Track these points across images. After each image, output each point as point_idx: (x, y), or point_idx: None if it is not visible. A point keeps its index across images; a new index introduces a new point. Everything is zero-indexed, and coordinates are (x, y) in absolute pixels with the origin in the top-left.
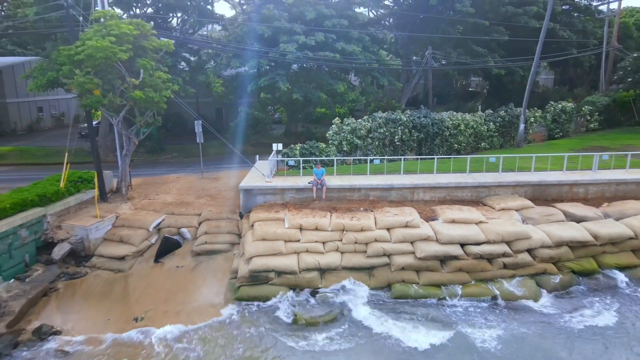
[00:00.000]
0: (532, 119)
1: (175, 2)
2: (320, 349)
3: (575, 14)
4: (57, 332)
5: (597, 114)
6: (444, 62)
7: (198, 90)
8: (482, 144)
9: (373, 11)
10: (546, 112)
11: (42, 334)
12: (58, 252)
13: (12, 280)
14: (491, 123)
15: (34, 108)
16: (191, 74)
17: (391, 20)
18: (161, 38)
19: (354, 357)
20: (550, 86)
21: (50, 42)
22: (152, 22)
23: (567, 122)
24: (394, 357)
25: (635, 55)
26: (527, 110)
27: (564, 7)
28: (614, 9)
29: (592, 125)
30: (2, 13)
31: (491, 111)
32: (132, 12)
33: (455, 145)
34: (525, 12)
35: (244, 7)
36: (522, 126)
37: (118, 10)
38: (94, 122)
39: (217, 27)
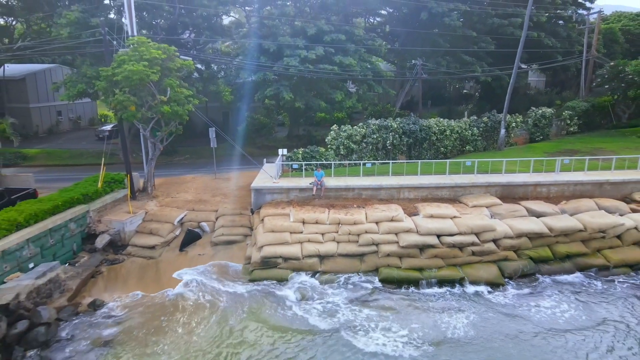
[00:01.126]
0: (514, 124)
1: (189, 20)
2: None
3: (561, 22)
4: (106, 304)
5: (576, 118)
6: (434, 71)
7: (208, 97)
8: (467, 147)
9: (370, 19)
10: (528, 117)
11: (96, 305)
12: (100, 242)
13: (66, 264)
14: (475, 128)
15: (54, 112)
16: (203, 83)
17: (387, 28)
18: (181, 56)
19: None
20: (542, 88)
21: (80, 57)
22: (163, 33)
23: (547, 126)
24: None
25: (612, 64)
26: (508, 116)
27: (547, 14)
28: (594, 22)
29: (571, 129)
30: (32, 27)
31: (475, 117)
32: (152, 31)
33: (442, 148)
34: (511, 23)
35: (251, 19)
36: (502, 131)
37: (144, 31)
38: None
39: (227, 42)
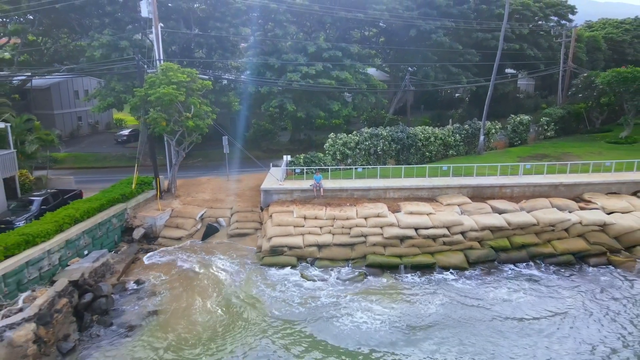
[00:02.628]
0: (493, 130)
1: (204, 40)
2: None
3: (542, 32)
4: (147, 282)
5: (553, 124)
6: (422, 82)
7: (219, 107)
8: (450, 152)
9: (365, 32)
10: (507, 124)
11: (140, 283)
12: (137, 234)
13: (112, 252)
14: (457, 135)
15: (75, 117)
16: (216, 95)
17: (382, 38)
18: (200, 76)
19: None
20: (532, 91)
21: (110, 74)
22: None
23: (524, 131)
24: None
25: (585, 75)
26: (488, 123)
27: (530, 25)
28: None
29: (549, 134)
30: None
31: (458, 125)
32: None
33: (427, 153)
34: (494, 37)
35: (257, 37)
36: (482, 137)
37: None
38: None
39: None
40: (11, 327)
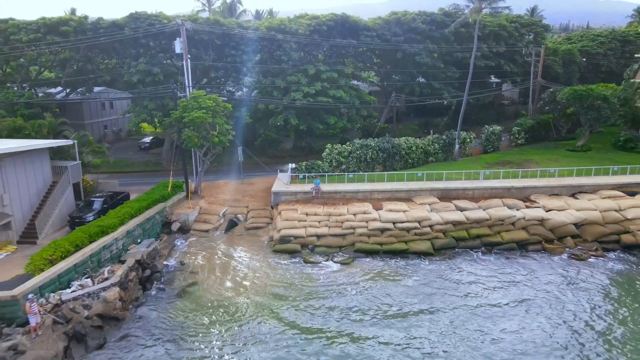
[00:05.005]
0: (468, 139)
1: (221, 65)
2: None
3: (517, 49)
4: (187, 263)
5: (523, 132)
6: (408, 98)
7: (232, 120)
8: (430, 159)
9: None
10: (482, 133)
11: (181, 264)
12: (174, 227)
13: (157, 240)
14: (436, 144)
15: (102, 126)
16: (230, 111)
17: (376, 60)
18: (223, 99)
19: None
20: (516, 97)
21: (143, 96)
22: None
23: (496, 140)
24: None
25: (551, 90)
26: (464, 133)
27: (508, 44)
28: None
29: (519, 142)
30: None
31: (437, 135)
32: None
33: (410, 160)
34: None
35: (265, 58)
36: (457, 147)
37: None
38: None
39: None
40: (104, 289)
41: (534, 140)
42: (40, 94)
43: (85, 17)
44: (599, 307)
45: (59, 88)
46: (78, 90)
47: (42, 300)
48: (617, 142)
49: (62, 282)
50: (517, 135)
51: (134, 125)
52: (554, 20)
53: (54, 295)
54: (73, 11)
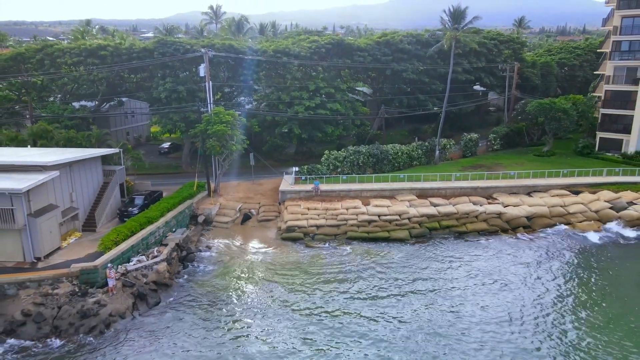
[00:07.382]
0: (448, 145)
1: (233, 82)
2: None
3: (495, 65)
4: (213, 247)
5: (498, 139)
6: (396, 110)
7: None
8: (414, 162)
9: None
10: (461, 140)
11: (209, 248)
12: (200, 219)
13: (188, 229)
14: (419, 150)
15: (124, 133)
16: (240, 121)
17: (371, 74)
18: (238, 113)
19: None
20: (502, 104)
21: (170, 110)
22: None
23: (474, 146)
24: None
25: (523, 102)
26: (445, 140)
27: (487, 59)
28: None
29: (495, 147)
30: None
31: (421, 142)
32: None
33: (396, 164)
34: (454, 70)
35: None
36: (437, 152)
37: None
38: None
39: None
40: (156, 263)
41: (508, 146)
42: (77, 107)
43: (120, 43)
44: (537, 271)
45: (95, 102)
46: (111, 103)
47: (114, 269)
48: (577, 148)
49: (124, 257)
50: (493, 142)
51: (160, 134)
52: (552, 23)
53: (121, 267)
54: (88, 22)
